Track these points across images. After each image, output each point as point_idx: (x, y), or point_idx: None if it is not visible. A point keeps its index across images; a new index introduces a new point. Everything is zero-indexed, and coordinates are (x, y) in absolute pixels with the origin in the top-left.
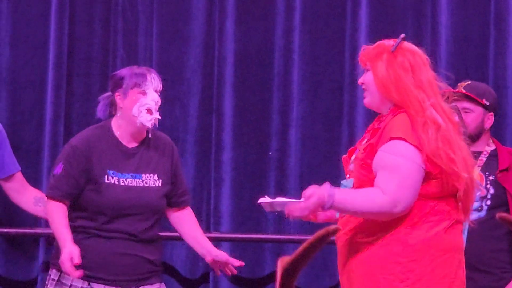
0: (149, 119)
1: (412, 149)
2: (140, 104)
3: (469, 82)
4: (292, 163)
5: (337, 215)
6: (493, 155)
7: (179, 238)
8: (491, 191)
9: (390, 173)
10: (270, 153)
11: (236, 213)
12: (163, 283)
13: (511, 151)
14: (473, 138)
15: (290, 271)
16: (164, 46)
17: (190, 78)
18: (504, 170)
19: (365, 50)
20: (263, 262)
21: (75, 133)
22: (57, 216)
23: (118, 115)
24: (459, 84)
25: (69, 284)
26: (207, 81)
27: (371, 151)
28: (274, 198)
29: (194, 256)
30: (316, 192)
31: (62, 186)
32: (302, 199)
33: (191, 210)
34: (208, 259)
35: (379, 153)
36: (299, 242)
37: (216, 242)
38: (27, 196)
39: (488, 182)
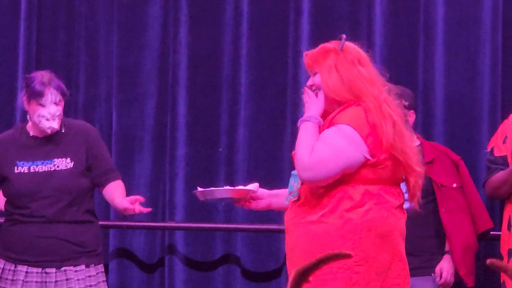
0: (48, 126)
1: (356, 136)
2: (39, 114)
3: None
4: (239, 159)
5: (286, 201)
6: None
7: (138, 227)
8: None
9: (323, 146)
10: (220, 149)
11: (189, 204)
12: (97, 266)
13: (434, 145)
14: None
15: (300, 276)
16: (123, 52)
17: (147, 81)
18: (429, 162)
19: (309, 55)
20: (213, 248)
21: None
22: None
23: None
24: None
25: (2, 267)
26: (162, 84)
27: None
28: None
29: (151, 243)
30: (317, 103)
31: None
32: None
33: (121, 183)
34: (120, 209)
35: (325, 130)
36: (246, 230)
37: (171, 230)
38: None
39: None
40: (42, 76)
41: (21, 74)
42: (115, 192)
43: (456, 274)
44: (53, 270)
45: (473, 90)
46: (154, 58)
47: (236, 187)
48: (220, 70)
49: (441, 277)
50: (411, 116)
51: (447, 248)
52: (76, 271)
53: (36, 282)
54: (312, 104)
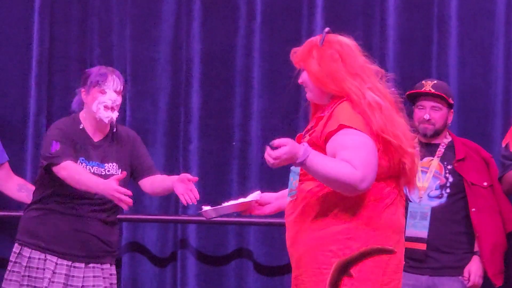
0: (106, 116)
1: (364, 134)
2: (99, 102)
3: (435, 81)
4: (253, 153)
5: (288, 198)
6: (450, 146)
7: (150, 220)
8: (450, 179)
9: (355, 151)
10: (234, 143)
11: (202, 198)
12: (114, 265)
13: (465, 142)
14: (438, 132)
15: (341, 269)
16: (136, 45)
17: (160, 75)
18: (461, 160)
19: (296, 52)
20: (226, 242)
21: None
22: (80, 168)
23: (84, 109)
24: (424, 82)
25: (28, 255)
26: (175, 77)
27: (319, 134)
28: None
29: (164, 236)
30: (290, 143)
31: (66, 153)
32: (239, 200)
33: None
34: (175, 185)
35: (336, 136)
36: (259, 224)
37: (184, 224)
38: (11, 184)
39: (447, 171)
40: (101, 67)
41: (35, 67)
42: (165, 176)
43: (485, 274)
44: (82, 265)
45: (486, 84)
46: (167, 52)
47: (238, 201)
48: (233, 63)
49: (469, 279)
50: (451, 115)
51: (476, 248)
52: (102, 269)
53: (66, 274)
54: (291, 150)
